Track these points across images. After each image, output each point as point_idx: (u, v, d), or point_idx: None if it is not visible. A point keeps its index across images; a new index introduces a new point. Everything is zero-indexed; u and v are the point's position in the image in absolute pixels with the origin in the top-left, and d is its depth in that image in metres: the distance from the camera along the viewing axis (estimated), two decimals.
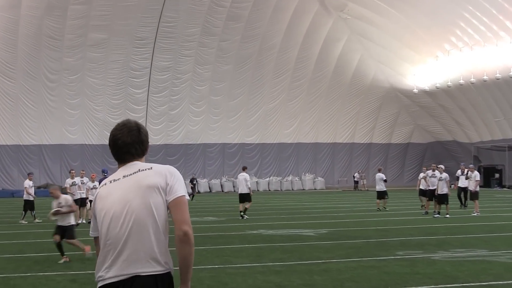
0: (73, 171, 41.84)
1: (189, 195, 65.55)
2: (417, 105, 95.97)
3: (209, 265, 19.97)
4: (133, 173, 6.40)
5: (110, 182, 6.50)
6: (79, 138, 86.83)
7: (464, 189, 46.46)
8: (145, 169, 6.39)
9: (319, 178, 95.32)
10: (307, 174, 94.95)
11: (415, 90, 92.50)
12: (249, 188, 41.45)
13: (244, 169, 44.40)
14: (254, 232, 30.93)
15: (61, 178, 76.50)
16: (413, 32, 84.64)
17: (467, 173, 45.85)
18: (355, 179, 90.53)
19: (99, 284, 6.29)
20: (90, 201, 36.87)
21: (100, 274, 6.32)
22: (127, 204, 6.25)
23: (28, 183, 39.90)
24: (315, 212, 45.30)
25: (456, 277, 17.06)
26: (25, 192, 39.86)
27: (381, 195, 46.71)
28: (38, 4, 79.01)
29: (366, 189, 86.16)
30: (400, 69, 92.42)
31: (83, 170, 43.11)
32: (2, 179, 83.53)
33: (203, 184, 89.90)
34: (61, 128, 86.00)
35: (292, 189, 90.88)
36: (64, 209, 22.49)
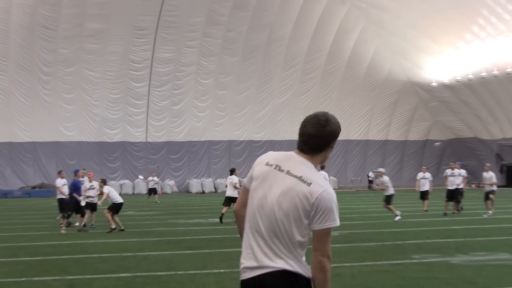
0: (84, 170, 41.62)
1: None
2: (436, 99, 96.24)
3: (215, 270, 20.03)
4: (294, 175, 6.57)
5: (276, 167, 6.75)
6: (76, 135, 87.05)
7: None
8: (305, 183, 6.51)
9: (332, 178, 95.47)
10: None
11: (434, 84, 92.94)
12: None
13: (322, 167, 44.27)
14: None
15: (56, 178, 76.73)
16: (432, 20, 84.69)
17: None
18: (370, 178, 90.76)
19: (241, 277, 6.85)
20: (88, 203, 36.75)
21: (241, 261, 6.86)
22: (275, 203, 6.56)
23: (60, 181, 39.51)
24: None
25: (475, 283, 17.15)
26: (58, 191, 39.41)
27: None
28: None
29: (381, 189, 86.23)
30: (418, 61, 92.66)
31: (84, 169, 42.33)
32: None
33: (207, 184, 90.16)
34: (56, 124, 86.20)
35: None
36: None
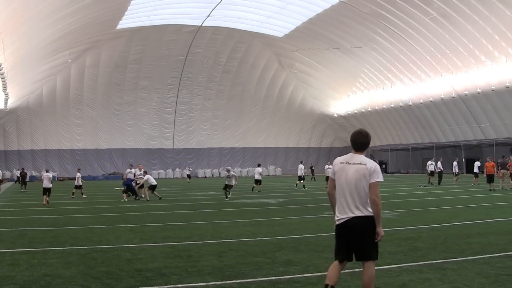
0: (132, 165, 41.59)
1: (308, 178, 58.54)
2: (337, 124, 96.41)
3: (212, 221, 19.84)
4: (356, 163, 7.67)
5: (346, 163, 7.80)
6: (133, 144, 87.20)
7: None
8: (363, 164, 7.65)
9: (278, 168, 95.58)
10: (271, 165, 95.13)
11: (336, 115, 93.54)
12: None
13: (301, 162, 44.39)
14: (239, 201, 30.74)
15: (123, 169, 76.44)
16: (334, 80, 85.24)
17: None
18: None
19: (337, 223, 7.80)
20: (137, 184, 36.27)
21: (337, 215, 7.82)
22: (349, 180, 7.65)
23: (127, 170, 38.59)
24: (275, 189, 45.28)
25: None
26: (125, 176, 38.44)
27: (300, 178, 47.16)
28: (108, 64, 79.60)
29: (305, 175, 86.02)
30: (327, 103, 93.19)
31: (140, 164, 41.83)
32: (88, 169, 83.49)
33: (208, 172, 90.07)
34: (122, 138, 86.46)
35: (262, 175, 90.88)
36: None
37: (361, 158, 7.74)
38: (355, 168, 7.65)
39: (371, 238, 7.60)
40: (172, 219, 20.89)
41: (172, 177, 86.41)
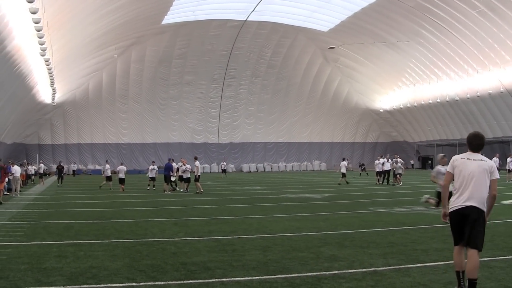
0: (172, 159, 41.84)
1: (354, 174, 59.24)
2: (382, 119, 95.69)
3: (257, 215, 19.89)
4: (477, 160, 8.35)
5: (467, 159, 8.42)
6: (178, 138, 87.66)
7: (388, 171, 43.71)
8: (483, 160, 8.36)
9: (323, 163, 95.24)
10: (315, 160, 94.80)
11: (381, 110, 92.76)
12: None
13: (344, 159, 48.52)
14: (284, 196, 30.73)
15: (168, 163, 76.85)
16: (380, 75, 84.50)
17: (387, 160, 44.57)
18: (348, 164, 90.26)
19: (451, 210, 8.38)
20: (181, 177, 36.88)
21: (453, 204, 8.37)
22: (472, 172, 8.27)
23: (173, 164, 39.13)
24: (320, 184, 45.04)
25: (404, 223, 16.94)
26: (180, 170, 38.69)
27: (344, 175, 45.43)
28: (154, 59, 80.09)
29: (351, 170, 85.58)
30: (372, 97, 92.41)
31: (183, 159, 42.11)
32: (133, 163, 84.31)
33: (252, 167, 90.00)
34: (167, 133, 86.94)
35: (306, 170, 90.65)
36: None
37: (479, 156, 8.47)
38: (477, 163, 8.36)
39: (481, 228, 8.17)
40: (216, 213, 20.99)
41: (216, 171, 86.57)
